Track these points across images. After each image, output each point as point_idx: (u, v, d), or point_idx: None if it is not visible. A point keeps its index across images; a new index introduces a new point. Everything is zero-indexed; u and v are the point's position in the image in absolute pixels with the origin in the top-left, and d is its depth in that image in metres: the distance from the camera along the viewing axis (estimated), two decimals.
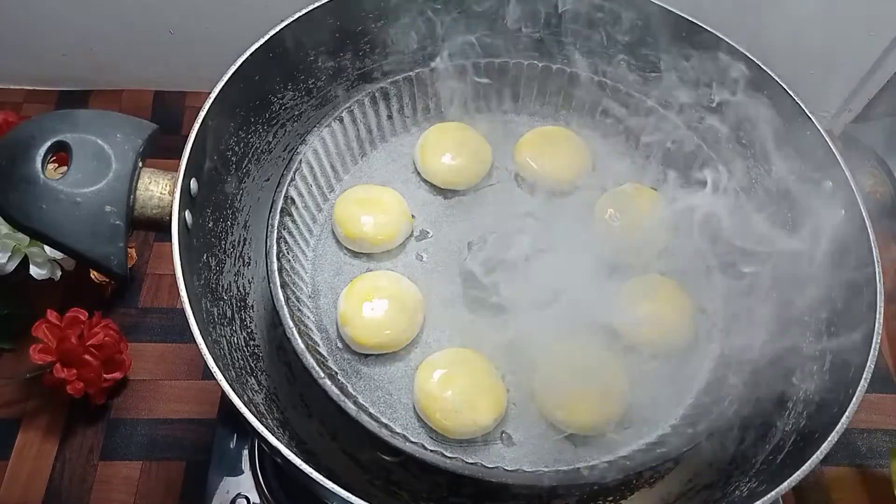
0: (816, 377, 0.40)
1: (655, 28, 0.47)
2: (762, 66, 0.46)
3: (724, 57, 0.46)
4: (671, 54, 0.46)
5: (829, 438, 0.35)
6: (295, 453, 0.32)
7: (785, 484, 0.34)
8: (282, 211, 0.43)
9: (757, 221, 0.46)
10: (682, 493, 0.42)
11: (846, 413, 0.35)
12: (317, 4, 0.45)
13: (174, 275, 0.35)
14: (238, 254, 0.43)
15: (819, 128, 0.44)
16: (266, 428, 0.32)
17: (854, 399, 0.36)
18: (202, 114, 0.40)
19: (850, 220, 0.42)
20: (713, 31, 0.47)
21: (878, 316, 0.38)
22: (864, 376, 0.36)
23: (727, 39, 0.46)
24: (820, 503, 0.64)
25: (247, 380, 0.34)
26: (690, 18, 0.47)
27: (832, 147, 0.43)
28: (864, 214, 0.42)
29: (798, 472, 0.34)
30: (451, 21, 0.48)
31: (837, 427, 0.35)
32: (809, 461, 0.34)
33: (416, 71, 0.48)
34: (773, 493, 0.34)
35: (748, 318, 0.44)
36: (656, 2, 0.47)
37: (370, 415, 0.38)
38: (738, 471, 0.40)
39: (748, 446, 0.41)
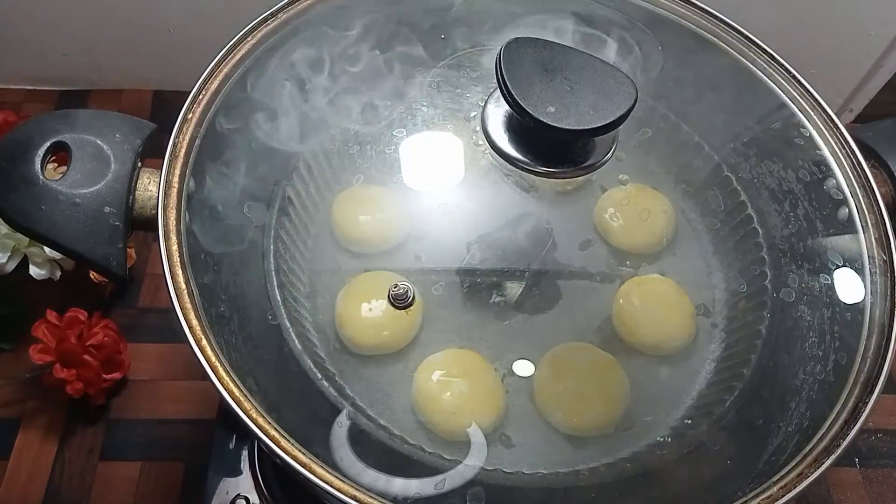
0: (819, 378, 0.40)
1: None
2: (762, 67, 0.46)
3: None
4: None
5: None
6: (293, 456, 0.32)
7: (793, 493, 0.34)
8: (279, 210, 0.43)
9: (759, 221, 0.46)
10: (682, 496, 0.41)
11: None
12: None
13: (172, 275, 0.35)
14: (236, 254, 0.43)
15: (821, 126, 0.44)
16: (262, 432, 0.32)
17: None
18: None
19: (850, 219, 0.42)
20: (709, 35, 0.47)
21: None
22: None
23: (722, 44, 0.46)
24: (819, 503, 0.64)
25: (245, 381, 0.34)
26: (684, 22, 0.47)
27: (833, 146, 0.43)
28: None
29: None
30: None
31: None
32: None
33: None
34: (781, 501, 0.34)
35: (750, 319, 0.44)
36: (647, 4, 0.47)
37: (368, 417, 0.38)
38: (740, 472, 0.40)
39: (750, 448, 0.40)
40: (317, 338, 0.42)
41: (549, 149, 0.40)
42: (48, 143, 0.36)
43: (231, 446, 0.55)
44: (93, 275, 0.67)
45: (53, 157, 0.37)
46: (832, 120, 0.43)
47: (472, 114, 0.44)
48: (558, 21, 0.48)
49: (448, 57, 0.48)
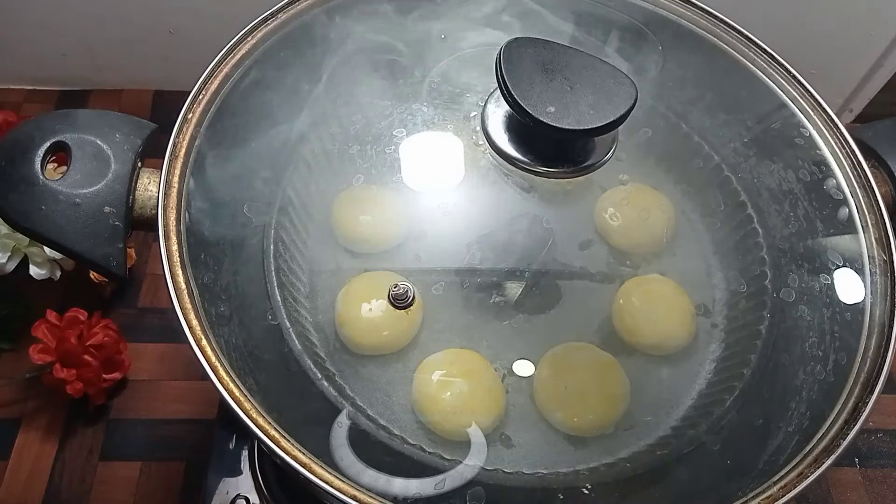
0: (819, 378, 0.40)
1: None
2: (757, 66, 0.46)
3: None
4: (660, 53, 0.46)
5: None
6: (293, 456, 0.32)
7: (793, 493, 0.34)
8: (279, 210, 0.43)
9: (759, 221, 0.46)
10: (682, 495, 0.42)
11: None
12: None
13: (172, 275, 0.35)
14: (236, 254, 0.43)
15: (821, 126, 0.44)
16: (262, 432, 0.32)
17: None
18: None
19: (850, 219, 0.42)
20: (709, 35, 0.47)
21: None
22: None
23: (722, 44, 0.46)
24: (819, 503, 0.64)
25: (245, 380, 0.34)
26: (684, 22, 0.47)
27: (833, 146, 0.43)
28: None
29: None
30: None
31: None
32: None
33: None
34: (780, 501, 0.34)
35: (750, 319, 0.44)
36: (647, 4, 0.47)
37: (368, 417, 0.38)
38: (740, 472, 0.40)
39: (750, 448, 0.40)
40: (317, 338, 0.42)
41: (549, 149, 0.40)
42: (48, 143, 0.36)
43: (231, 446, 0.55)
44: (93, 275, 0.67)
45: (53, 157, 0.37)
46: (832, 120, 0.43)
47: (472, 114, 0.44)
48: (558, 20, 0.48)
49: (448, 57, 0.48)
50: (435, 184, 0.48)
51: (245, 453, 0.55)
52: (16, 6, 0.75)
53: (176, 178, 0.37)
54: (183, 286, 0.35)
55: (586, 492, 0.39)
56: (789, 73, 0.45)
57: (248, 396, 0.33)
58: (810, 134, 0.44)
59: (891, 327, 0.38)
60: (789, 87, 0.45)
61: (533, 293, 0.43)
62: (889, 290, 0.39)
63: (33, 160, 0.36)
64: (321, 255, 0.45)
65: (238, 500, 0.53)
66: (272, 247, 0.42)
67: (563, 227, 0.45)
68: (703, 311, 0.45)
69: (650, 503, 0.41)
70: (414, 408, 0.40)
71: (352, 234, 0.45)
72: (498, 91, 0.38)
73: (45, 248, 0.62)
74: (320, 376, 0.38)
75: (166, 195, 0.37)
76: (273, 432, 0.32)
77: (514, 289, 0.43)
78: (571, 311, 0.44)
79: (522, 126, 0.38)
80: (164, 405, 0.64)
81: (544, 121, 0.36)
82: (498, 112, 0.41)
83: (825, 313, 0.41)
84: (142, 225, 0.38)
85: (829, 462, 0.34)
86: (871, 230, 0.41)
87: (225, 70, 0.41)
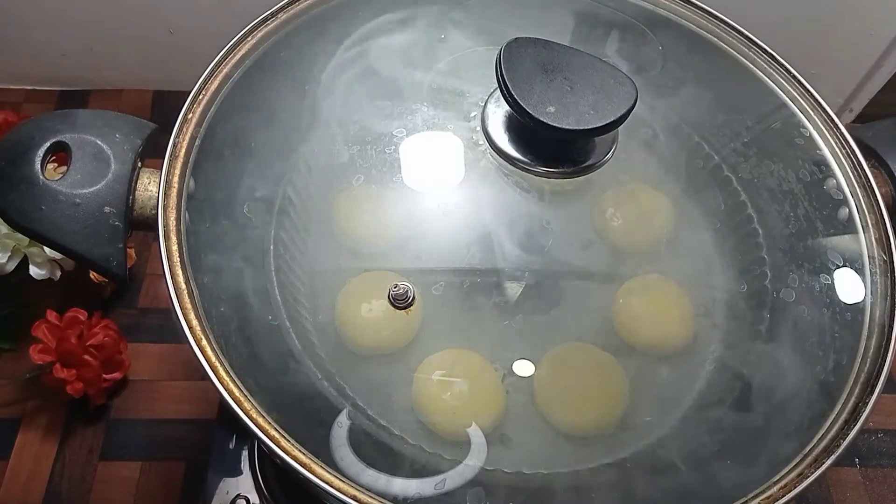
0: (819, 378, 0.40)
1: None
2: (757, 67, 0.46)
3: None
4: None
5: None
6: (293, 456, 0.32)
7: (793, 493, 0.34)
8: (279, 210, 0.43)
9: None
10: (683, 495, 0.42)
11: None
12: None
13: (172, 275, 0.35)
14: (236, 253, 0.43)
15: (821, 126, 0.44)
16: (262, 432, 0.32)
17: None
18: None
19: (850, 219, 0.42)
20: (709, 35, 0.47)
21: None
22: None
23: (722, 44, 0.46)
24: (819, 503, 0.64)
25: (245, 381, 0.34)
26: (684, 22, 0.47)
27: (833, 146, 0.43)
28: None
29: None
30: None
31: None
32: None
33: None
34: (780, 501, 0.34)
35: (750, 319, 0.44)
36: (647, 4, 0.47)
37: (369, 417, 0.38)
38: (740, 472, 0.40)
39: (750, 448, 0.41)
40: (317, 338, 0.42)
41: (549, 149, 0.40)
42: (48, 143, 0.36)
43: (231, 446, 0.55)
44: (93, 275, 0.67)
45: (53, 157, 0.37)
46: (832, 120, 0.43)
47: (472, 114, 0.44)
48: (558, 20, 0.48)
49: (448, 57, 0.48)
50: (435, 184, 0.48)
51: (245, 453, 0.55)
52: (16, 6, 0.75)
53: (176, 178, 0.37)
54: (183, 286, 0.35)
55: (586, 492, 0.39)
56: (789, 73, 0.45)
57: (248, 396, 0.33)
58: (810, 134, 0.44)
59: (891, 327, 0.38)
60: (789, 87, 0.45)
61: (533, 293, 0.43)
62: (889, 290, 0.39)
63: (33, 160, 0.36)
64: (321, 255, 0.45)
65: (238, 500, 0.53)
66: (272, 247, 0.41)
67: (563, 227, 0.45)
68: (703, 311, 0.45)
69: (650, 503, 0.42)
70: (414, 408, 0.40)
71: (352, 234, 0.45)
72: (498, 91, 0.38)
73: (45, 248, 0.62)
74: (320, 376, 0.38)
75: (166, 195, 0.37)
76: (273, 432, 0.32)
77: (514, 289, 0.43)
78: (571, 311, 0.44)
79: (522, 126, 0.38)
80: (164, 405, 0.64)
81: (544, 121, 0.36)
82: (498, 112, 0.41)
83: (825, 313, 0.41)
84: (142, 225, 0.38)
85: (829, 462, 0.34)
86: (871, 230, 0.41)
87: (225, 70, 0.41)
